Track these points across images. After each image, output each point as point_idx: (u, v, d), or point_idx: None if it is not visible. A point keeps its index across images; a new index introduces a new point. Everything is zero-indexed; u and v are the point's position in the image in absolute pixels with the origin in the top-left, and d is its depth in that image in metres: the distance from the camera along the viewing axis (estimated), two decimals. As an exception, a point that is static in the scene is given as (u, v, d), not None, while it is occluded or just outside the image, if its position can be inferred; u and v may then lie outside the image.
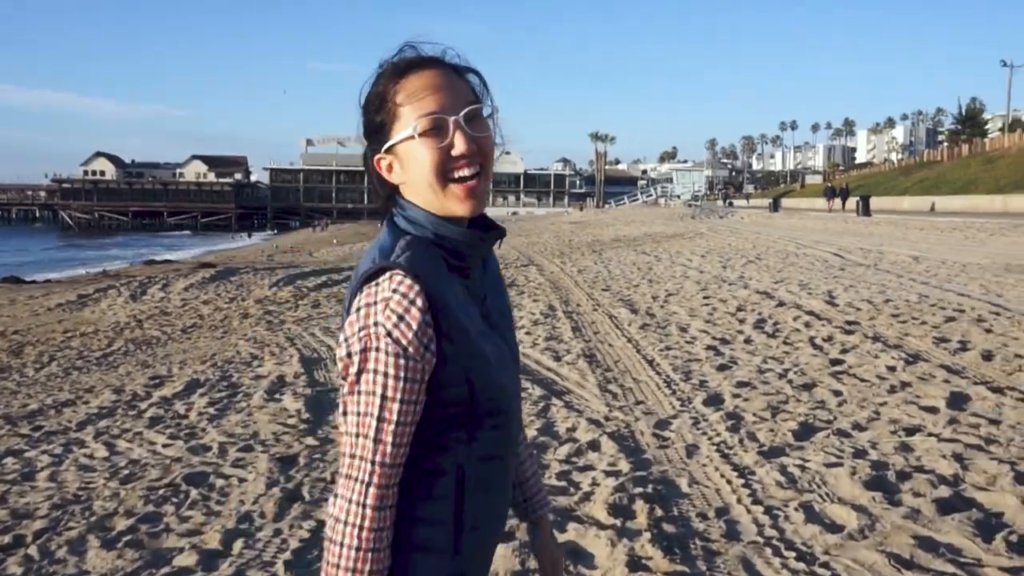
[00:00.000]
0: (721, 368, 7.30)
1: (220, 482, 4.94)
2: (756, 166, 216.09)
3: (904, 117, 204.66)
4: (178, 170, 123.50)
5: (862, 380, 6.58)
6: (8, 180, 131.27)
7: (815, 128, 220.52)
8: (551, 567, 1.72)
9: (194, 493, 4.77)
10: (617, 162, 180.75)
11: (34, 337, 13.39)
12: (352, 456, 1.33)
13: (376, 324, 1.31)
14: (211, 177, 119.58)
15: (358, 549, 1.31)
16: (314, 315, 13.50)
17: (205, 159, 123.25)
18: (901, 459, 4.74)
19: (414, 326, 1.31)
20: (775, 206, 56.21)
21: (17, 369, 10.43)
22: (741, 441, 5.21)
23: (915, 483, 4.33)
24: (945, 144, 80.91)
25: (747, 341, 8.50)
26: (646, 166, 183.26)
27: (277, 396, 7.17)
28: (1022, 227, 23.99)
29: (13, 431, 6.59)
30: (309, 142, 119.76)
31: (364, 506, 1.31)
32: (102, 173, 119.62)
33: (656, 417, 5.89)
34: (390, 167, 1.45)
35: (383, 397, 1.31)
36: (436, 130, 1.39)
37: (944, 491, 4.20)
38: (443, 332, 1.33)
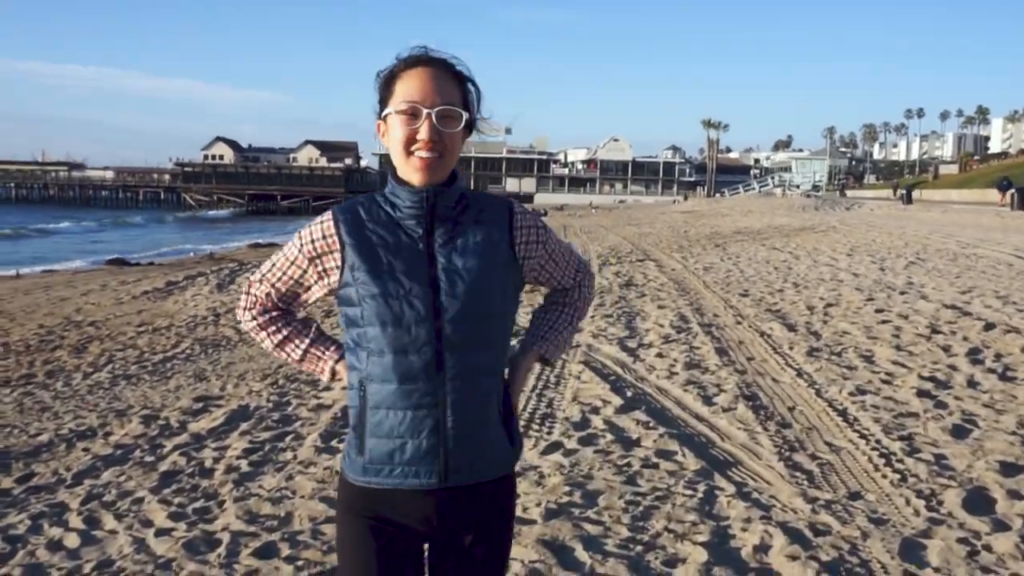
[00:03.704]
0: (957, 433, 5.10)
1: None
2: (878, 155, 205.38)
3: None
4: (292, 155, 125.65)
5: None
6: (136, 164, 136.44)
7: (944, 116, 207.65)
8: (512, 376, 2.04)
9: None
10: (728, 150, 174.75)
11: (106, 331, 12.18)
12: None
13: (304, 228, 1.97)
14: (323, 162, 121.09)
15: (238, 308, 2.12)
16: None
17: (317, 144, 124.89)
18: None
19: (310, 235, 1.93)
20: (908, 197, 51.84)
21: (67, 373, 9.08)
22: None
23: None
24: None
25: (971, 384, 6.23)
26: (759, 155, 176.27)
27: (334, 444, 5.40)
28: None
29: (-7, 481, 5.02)
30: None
31: (243, 294, 2.10)
32: (221, 157, 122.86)
33: (894, 530, 3.78)
34: (383, 133, 1.92)
35: (280, 251, 2.02)
36: (412, 115, 1.83)
37: None
38: (345, 258, 1.87)
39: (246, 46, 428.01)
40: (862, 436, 5.13)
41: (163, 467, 5.14)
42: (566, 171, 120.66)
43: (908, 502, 4.08)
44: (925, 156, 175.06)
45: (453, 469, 1.84)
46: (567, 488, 4.38)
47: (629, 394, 6.43)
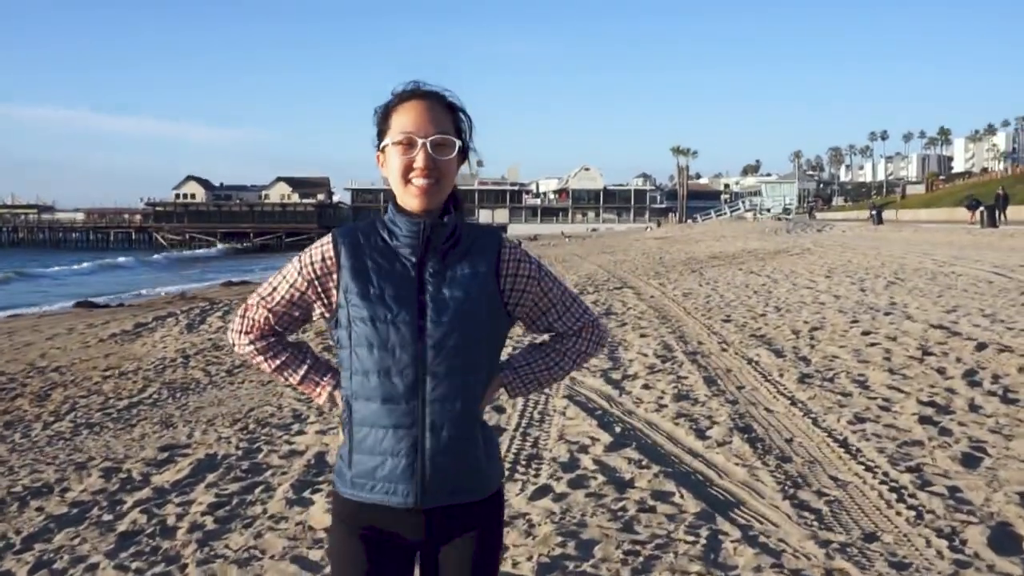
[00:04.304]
0: (968, 462, 4.85)
1: None
2: (844, 177, 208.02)
3: (1006, 123, 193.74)
4: (264, 192, 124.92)
5: None
6: (107, 205, 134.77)
7: (907, 137, 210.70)
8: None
9: None
10: (698, 176, 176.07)
11: (71, 376, 11.70)
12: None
13: (304, 251, 2.05)
14: (295, 198, 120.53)
15: (232, 331, 2.17)
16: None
17: (289, 181, 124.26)
18: None
19: (310, 257, 2.01)
20: (879, 218, 52.28)
21: (27, 423, 8.62)
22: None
23: None
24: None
25: (973, 408, 6.00)
26: (728, 180, 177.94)
27: (307, 495, 5.04)
28: None
29: (-65, 549, 4.61)
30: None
31: (238, 317, 2.14)
32: (193, 196, 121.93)
33: None
34: (382, 164, 2.02)
35: (279, 274, 2.08)
36: (408, 145, 1.94)
37: None
38: (340, 280, 1.96)
39: (217, 84, 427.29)
40: (868, 469, 4.86)
41: (122, 526, 4.75)
42: (538, 201, 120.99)
43: (929, 543, 3.80)
44: (891, 177, 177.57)
45: (430, 489, 1.91)
46: (559, 538, 4.06)
47: (618, 430, 6.13)
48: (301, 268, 2.01)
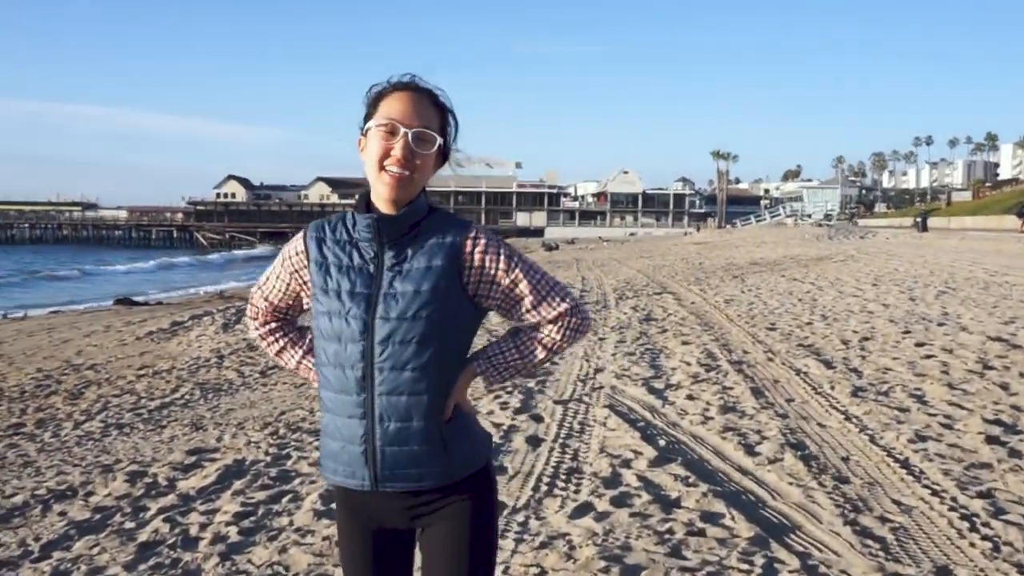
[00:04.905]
0: (1044, 488, 4.48)
1: None
2: (887, 184, 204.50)
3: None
4: (303, 192, 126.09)
5: None
6: (149, 203, 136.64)
7: (953, 143, 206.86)
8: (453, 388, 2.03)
9: None
10: (738, 181, 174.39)
11: (105, 374, 11.68)
12: None
13: (287, 243, 2.15)
14: (334, 198, 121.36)
15: (247, 316, 2.29)
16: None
17: (328, 181, 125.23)
18: None
19: (288, 251, 2.11)
20: (924, 225, 51.16)
21: (58, 422, 8.55)
22: None
23: None
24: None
25: (1045, 428, 5.61)
26: (768, 185, 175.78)
27: (335, 507, 4.81)
28: None
29: (-47, 555, 4.46)
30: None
31: (248, 304, 2.27)
32: (233, 195, 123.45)
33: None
34: (363, 148, 2.02)
35: (272, 266, 2.16)
36: (390, 132, 1.95)
37: None
38: (310, 273, 2.04)
39: (258, 85, 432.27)
40: (934, 493, 4.52)
41: (143, 536, 4.56)
42: (576, 204, 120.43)
43: (1008, 580, 3.47)
44: (935, 184, 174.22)
45: (382, 477, 1.96)
46: (603, 563, 3.78)
47: (662, 443, 5.83)
48: (283, 260, 2.12)
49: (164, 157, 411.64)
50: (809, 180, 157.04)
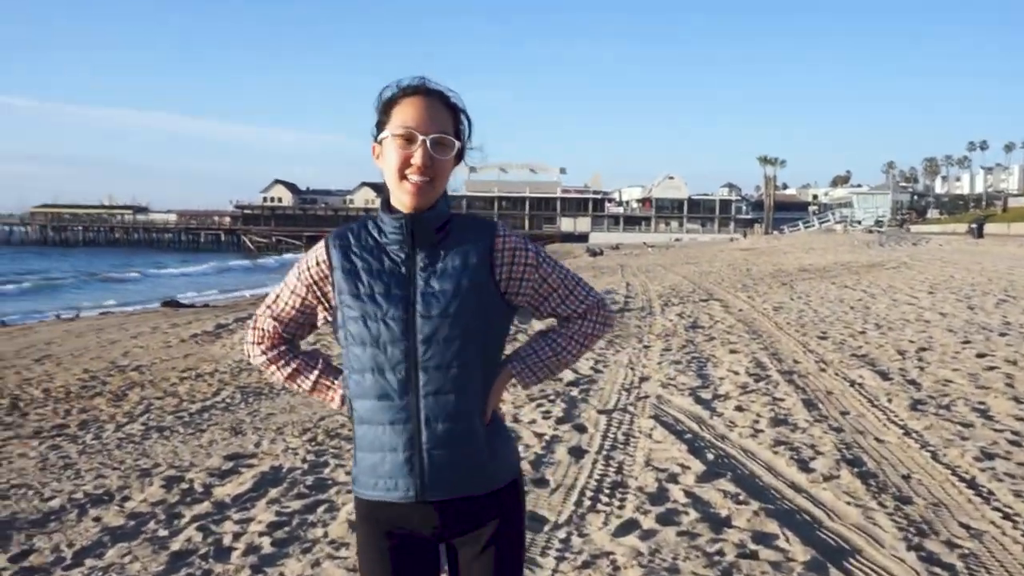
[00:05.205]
0: None
1: None
2: (940, 189, 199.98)
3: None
4: (348, 196, 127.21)
5: None
6: (197, 206, 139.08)
7: (1009, 148, 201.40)
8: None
9: None
10: (785, 187, 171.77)
11: (149, 376, 11.74)
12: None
13: (302, 257, 2.10)
14: (378, 203, 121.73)
15: (245, 342, 2.17)
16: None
17: (373, 186, 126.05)
18: None
19: (307, 263, 2.05)
20: (980, 231, 49.87)
21: (100, 424, 8.57)
22: None
23: None
24: None
25: (1123, 448, 5.27)
26: (816, 191, 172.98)
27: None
28: None
29: (-14, 560, 4.41)
30: (472, 169, 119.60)
31: (249, 329, 2.16)
32: (279, 199, 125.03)
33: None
34: (378, 156, 2.00)
35: (282, 283, 2.11)
36: (407, 140, 1.92)
37: None
38: (335, 282, 1.98)
39: (305, 90, 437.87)
40: (1006, 516, 4.23)
41: (175, 545, 4.47)
42: (621, 210, 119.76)
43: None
44: (990, 189, 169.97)
45: (429, 484, 1.91)
46: (649, 586, 3.58)
47: (710, 457, 5.60)
48: (299, 274, 2.06)
49: (213, 161, 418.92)
50: (859, 185, 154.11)
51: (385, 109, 1.98)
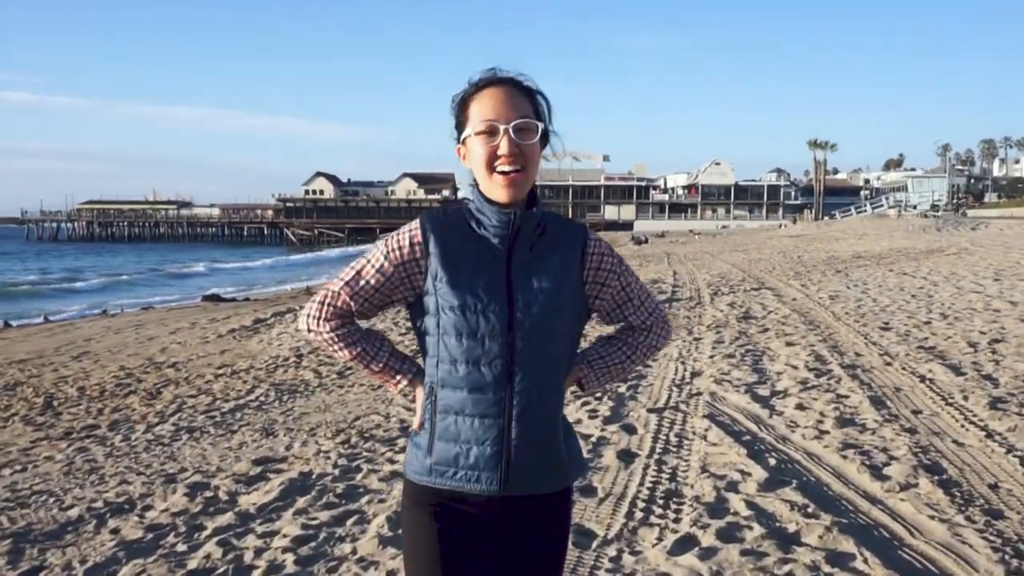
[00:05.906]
0: None
1: None
2: (998, 172, 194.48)
3: None
4: (390, 188, 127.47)
5: None
6: (240, 200, 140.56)
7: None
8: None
9: None
10: (835, 171, 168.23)
11: (184, 373, 11.57)
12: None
13: (390, 236, 2.01)
14: (420, 194, 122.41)
15: (308, 316, 2.07)
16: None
17: (415, 177, 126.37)
18: None
19: (397, 242, 1.97)
20: (1041, 215, 48.07)
21: (131, 424, 8.36)
22: None
23: None
24: None
25: None
26: (868, 175, 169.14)
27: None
28: None
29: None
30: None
31: (315, 303, 2.05)
32: (321, 192, 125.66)
33: None
34: (463, 156, 1.98)
35: (363, 259, 2.02)
36: (490, 133, 1.89)
37: None
38: (429, 267, 1.93)
39: (345, 84, 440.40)
40: (1119, 538, 3.71)
41: (193, 562, 4.14)
42: (666, 197, 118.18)
43: None
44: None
45: (513, 478, 1.90)
46: (712, 619, 3.15)
47: (772, 462, 5.13)
48: (388, 252, 1.98)
49: (255, 155, 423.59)
50: (912, 169, 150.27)
51: (462, 109, 1.96)
